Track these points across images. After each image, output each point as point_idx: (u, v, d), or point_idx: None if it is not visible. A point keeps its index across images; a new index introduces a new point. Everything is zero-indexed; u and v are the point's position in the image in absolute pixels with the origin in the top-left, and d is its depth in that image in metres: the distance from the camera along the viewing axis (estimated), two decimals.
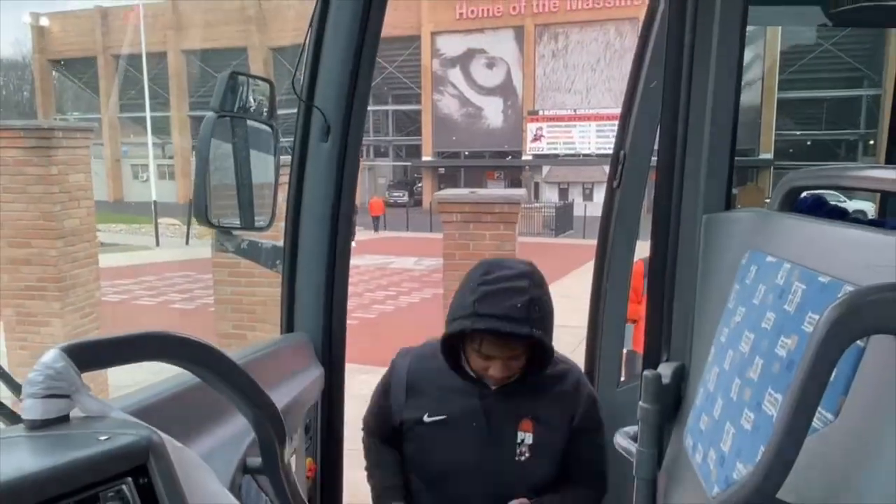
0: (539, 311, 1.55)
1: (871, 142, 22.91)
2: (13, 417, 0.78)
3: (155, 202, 21.38)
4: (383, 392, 1.80)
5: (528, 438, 1.65)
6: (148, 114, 27.01)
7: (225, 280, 6.51)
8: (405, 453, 1.77)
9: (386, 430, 1.80)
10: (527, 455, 1.64)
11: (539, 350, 1.64)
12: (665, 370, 1.72)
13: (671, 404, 1.69)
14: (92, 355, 0.66)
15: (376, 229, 24.48)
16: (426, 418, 1.69)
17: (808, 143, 24.65)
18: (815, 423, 0.91)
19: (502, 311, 1.52)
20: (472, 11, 33.16)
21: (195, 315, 10.84)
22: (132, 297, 12.79)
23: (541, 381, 1.69)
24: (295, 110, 1.72)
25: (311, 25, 1.63)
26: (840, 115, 24.60)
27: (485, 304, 1.53)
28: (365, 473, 1.86)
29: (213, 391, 0.85)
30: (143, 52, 26.92)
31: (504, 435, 1.65)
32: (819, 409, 0.88)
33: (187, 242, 17.51)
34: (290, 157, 1.76)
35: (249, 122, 1.65)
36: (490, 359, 1.60)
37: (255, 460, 1.10)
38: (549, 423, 1.67)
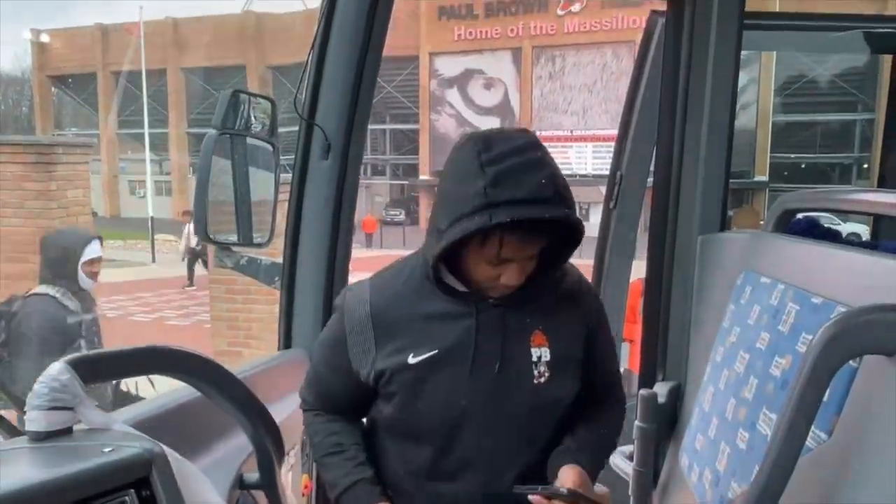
0: (564, 186, 1.22)
1: (865, 165, 23.08)
2: (15, 432, 0.79)
3: (152, 218, 21.38)
4: (335, 346, 1.35)
5: (545, 354, 1.31)
6: (146, 130, 27.09)
7: (221, 297, 6.50)
8: (382, 419, 1.36)
9: (342, 400, 1.39)
10: (546, 375, 1.31)
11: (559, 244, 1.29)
12: (661, 389, 1.73)
13: (667, 423, 1.70)
14: (96, 368, 0.67)
15: (369, 245, 24.84)
16: (411, 359, 1.29)
17: (803, 165, 24.81)
18: (809, 442, 0.92)
19: (527, 192, 1.17)
20: (471, 33, 33.49)
21: (190, 332, 10.80)
22: (127, 313, 12.75)
23: (541, 283, 1.33)
24: (295, 128, 1.74)
25: (313, 45, 1.65)
26: (834, 139, 24.82)
27: (501, 188, 1.16)
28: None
29: (210, 406, 0.86)
30: (143, 69, 27.09)
31: (516, 356, 1.31)
32: (812, 428, 0.89)
33: (183, 259, 17.47)
34: (290, 174, 1.78)
35: (250, 140, 1.67)
36: (505, 263, 1.24)
37: (252, 476, 1.10)
38: (563, 332, 1.34)
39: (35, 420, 0.64)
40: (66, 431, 0.64)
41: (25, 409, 0.65)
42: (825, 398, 0.87)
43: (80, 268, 3.32)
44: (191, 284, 15.26)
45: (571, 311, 1.35)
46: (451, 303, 1.30)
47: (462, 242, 1.20)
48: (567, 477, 1.25)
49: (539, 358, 1.31)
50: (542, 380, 1.30)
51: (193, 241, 15.25)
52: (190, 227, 15.58)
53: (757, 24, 1.94)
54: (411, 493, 1.35)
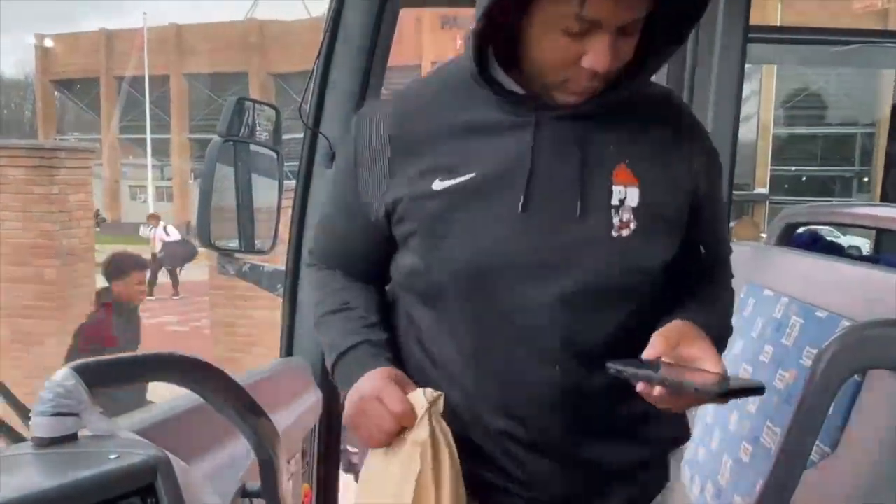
0: None
1: (866, 178, 23.12)
2: (18, 438, 0.79)
3: None
4: (342, 178, 1.01)
5: (632, 197, 0.91)
6: (148, 136, 27.13)
7: (221, 303, 6.51)
8: (402, 279, 1.01)
9: (356, 253, 1.04)
10: (632, 226, 0.90)
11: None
12: None
13: None
14: (102, 374, 0.67)
15: None
16: (437, 185, 0.91)
17: (803, 178, 24.84)
18: (814, 456, 0.91)
19: None
20: None
21: (190, 338, 10.79)
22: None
23: (634, 99, 0.93)
24: (299, 135, 1.74)
25: (319, 54, 1.66)
26: (835, 152, 24.87)
27: None
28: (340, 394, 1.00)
29: (212, 413, 0.86)
30: (147, 74, 27.15)
31: (591, 192, 0.90)
32: (817, 442, 0.88)
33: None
34: (294, 181, 1.78)
35: (254, 147, 1.67)
36: (590, 33, 0.82)
37: (254, 484, 1.10)
38: (661, 174, 0.93)
39: (39, 426, 0.64)
40: (71, 438, 0.64)
41: (30, 415, 0.65)
42: (830, 412, 0.87)
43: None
44: (175, 293, 14.60)
45: (675, 147, 0.95)
46: (502, 110, 0.91)
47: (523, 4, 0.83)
48: (683, 336, 0.84)
49: (622, 201, 0.91)
50: (625, 233, 0.90)
51: (158, 246, 14.77)
52: (155, 232, 15.00)
53: (760, 38, 1.95)
54: (459, 381, 0.96)
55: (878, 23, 18.50)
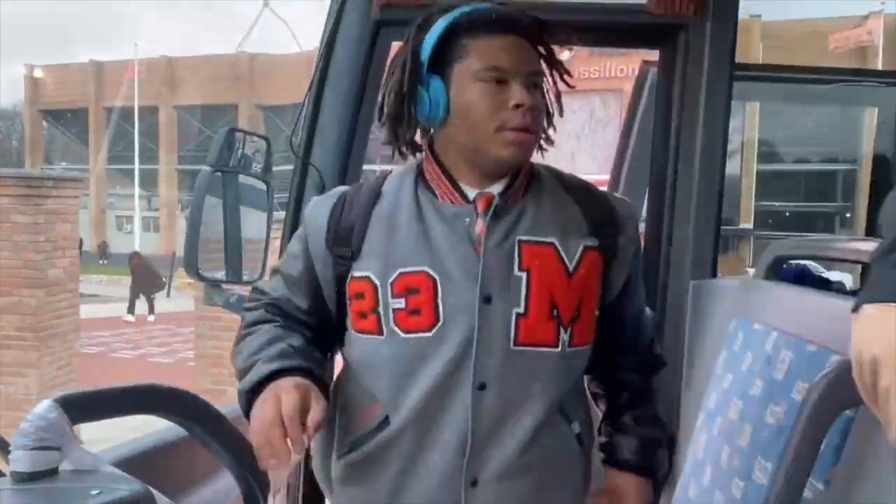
0: None
1: (848, 214, 23.45)
2: None
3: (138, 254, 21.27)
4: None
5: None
6: (136, 166, 27.10)
7: (206, 334, 6.44)
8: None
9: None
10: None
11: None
12: None
13: None
14: (85, 407, 0.65)
15: None
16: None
17: (787, 213, 25.16)
18: (807, 493, 0.90)
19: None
20: None
21: (174, 369, 10.64)
22: (110, 349, 12.56)
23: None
24: (289, 167, 1.74)
25: (311, 86, 1.67)
26: (818, 188, 25.25)
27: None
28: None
29: (197, 446, 0.84)
30: (136, 105, 27.23)
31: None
32: (810, 479, 0.88)
33: (168, 295, 17.31)
34: (283, 213, 1.78)
35: (244, 178, 1.67)
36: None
37: None
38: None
39: (19, 460, 0.62)
40: (52, 472, 0.62)
41: (9, 448, 0.64)
42: (822, 448, 0.87)
43: None
44: (151, 314, 15.33)
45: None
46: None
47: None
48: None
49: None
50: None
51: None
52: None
53: (746, 76, 1.99)
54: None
55: (858, 60, 18.94)
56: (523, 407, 1.00)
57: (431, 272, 0.99)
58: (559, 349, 1.02)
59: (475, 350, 0.98)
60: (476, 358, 0.98)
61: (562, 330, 1.02)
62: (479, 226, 1.01)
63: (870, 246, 1.40)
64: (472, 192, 1.03)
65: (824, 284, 1.53)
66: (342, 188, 1.13)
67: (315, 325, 1.09)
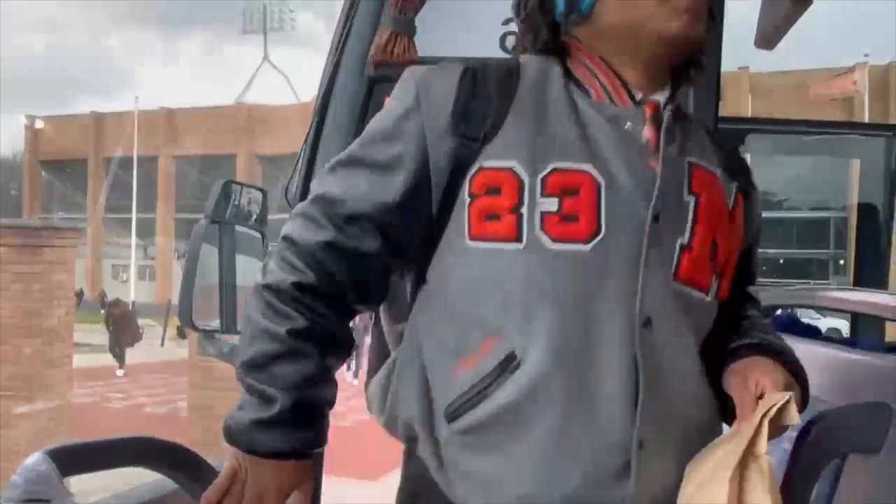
0: None
1: (841, 261, 23.58)
2: None
3: (133, 303, 21.18)
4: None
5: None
6: (134, 215, 27.22)
7: (199, 384, 6.39)
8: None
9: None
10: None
11: None
12: None
13: None
14: (76, 459, 0.66)
15: None
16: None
17: (781, 261, 25.29)
18: None
19: None
20: None
21: (166, 421, 10.49)
22: (103, 399, 12.39)
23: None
24: (284, 215, 1.76)
25: (307, 138, 1.71)
26: (811, 236, 25.45)
27: None
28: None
29: (188, 498, 0.84)
30: (135, 156, 27.53)
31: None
32: None
33: (162, 344, 17.18)
34: None
35: (239, 228, 1.69)
36: None
37: None
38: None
39: None
40: None
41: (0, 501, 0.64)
42: (812, 497, 0.87)
43: None
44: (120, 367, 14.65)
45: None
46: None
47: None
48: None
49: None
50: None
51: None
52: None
53: (731, 129, 2.04)
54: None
55: (843, 111, 19.30)
56: (682, 354, 0.82)
57: (596, 174, 0.78)
58: (709, 298, 0.84)
59: (642, 275, 0.78)
60: (643, 285, 0.78)
61: (714, 276, 0.84)
62: (650, 132, 0.82)
63: (858, 296, 1.42)
64: (637, 94, 0.84)
65: (813, 333, 1.55)
66: (455, 63, 0.85)
67: (370, 276, 0.83)
